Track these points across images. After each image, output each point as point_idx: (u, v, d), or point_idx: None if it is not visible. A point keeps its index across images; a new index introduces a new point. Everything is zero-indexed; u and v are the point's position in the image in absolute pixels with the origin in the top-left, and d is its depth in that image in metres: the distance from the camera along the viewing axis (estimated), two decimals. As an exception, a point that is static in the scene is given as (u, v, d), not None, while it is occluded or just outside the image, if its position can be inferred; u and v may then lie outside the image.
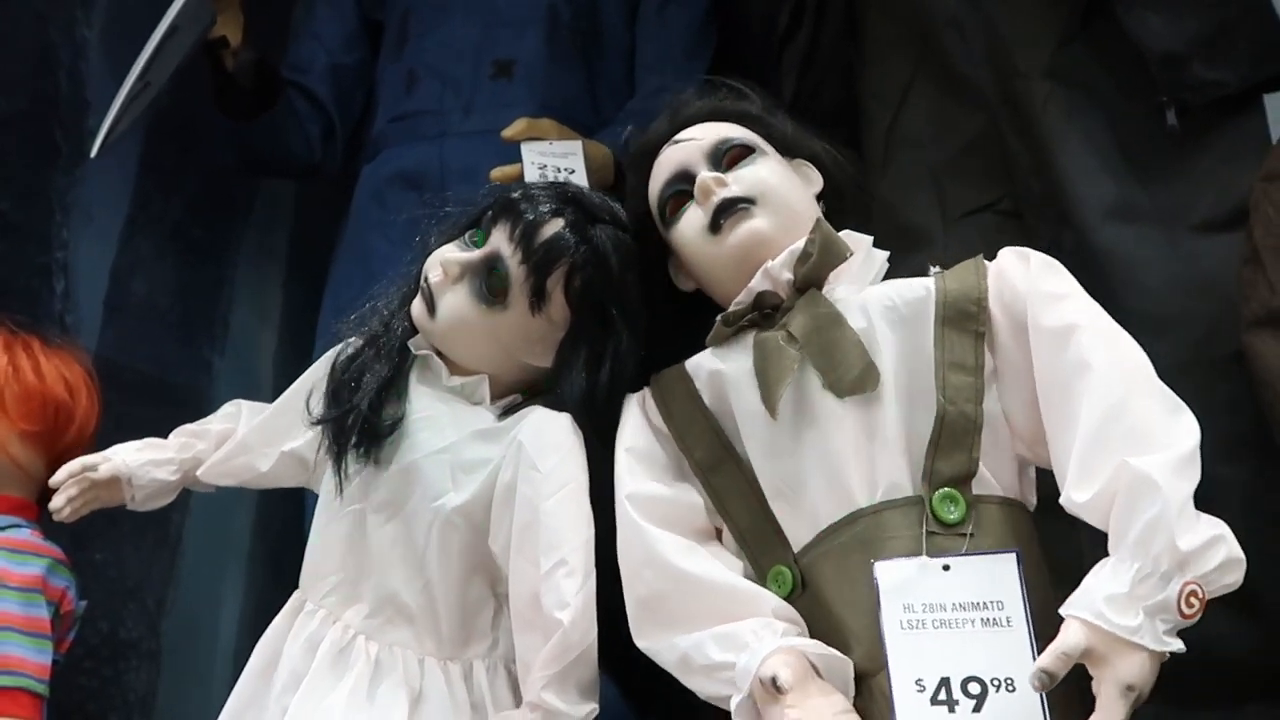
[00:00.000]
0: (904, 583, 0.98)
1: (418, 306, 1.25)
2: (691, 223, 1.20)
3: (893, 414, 1.06)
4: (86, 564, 1.70)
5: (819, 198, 1.26)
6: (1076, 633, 0.90)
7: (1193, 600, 0.91)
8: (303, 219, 2.35)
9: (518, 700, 1.19)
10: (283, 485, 1.41)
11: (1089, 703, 0.92)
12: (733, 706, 1.00)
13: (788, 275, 1.14)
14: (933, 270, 1.14)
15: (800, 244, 1.14)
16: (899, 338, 1.09)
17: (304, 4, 2.31)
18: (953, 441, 1.03)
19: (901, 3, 1.66)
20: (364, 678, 1.17)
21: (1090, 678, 0.91)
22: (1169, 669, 0.93)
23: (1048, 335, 1.04)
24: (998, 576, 0.96)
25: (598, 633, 1.11)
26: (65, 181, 1.91)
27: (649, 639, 1.07)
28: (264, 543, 2.14)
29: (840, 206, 1.28)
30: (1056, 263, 1.10)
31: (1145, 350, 1.25)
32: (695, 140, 1.23)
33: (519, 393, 1.26)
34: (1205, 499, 1.32)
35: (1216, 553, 0.92)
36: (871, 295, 1.13)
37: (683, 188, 1.22)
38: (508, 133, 1.78)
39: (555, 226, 1.22)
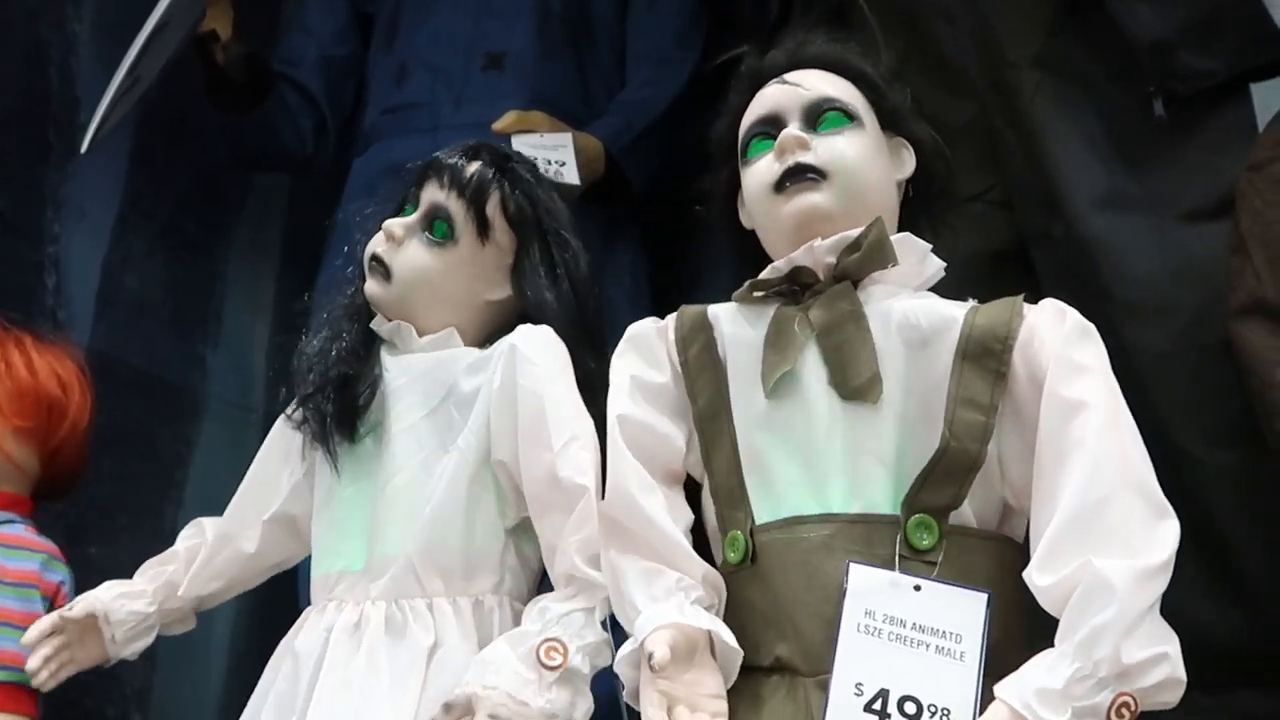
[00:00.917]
0: (873, 590, 0.98)
1: (371, 284, 1.30)
2: (761, 171, 1.17)
3: (889, 431, 1.05)
4: (82, 558, 1.70)
5: (909, 182, 1.22)
6: (1002, 717, 0.90)
7: (1124, 711, 0.91)
8: (295, 212, 2.35)
9: None
10: (273, 564, 1.40)
11: None
12: (623, 650, 1.04)
13: (830, 259, 1.12)
14: (970, 302, 1.12)
15: (854, 233, 1.12)
16: (911, 358, 1.07)
17: (294, -3, 2.31)
18: (947, 475, 1.03)
19: (891, -8, 1.66)
20: (378, 642, 1.17)
21: None
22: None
23: (1059, 403, 1.01)
24: (965, 611, 0.97)
25: None
26: (57, 177, 1.91)
27: (604, 548, 1.11)
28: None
29: (927, 195, 1.24)
30: (1092, 329, 1.07)
31: (1134, 338, 1.26)
32: (799, 88, 1.18)
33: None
34: (1193, 486, 1.34)
35: (1159, 670, 0.92)
36: (899, 307, 1.10)
37: (768, 131, 1.18)
38: (498, 125, 1.78)
39: (475, 166, 1.32)
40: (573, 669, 1.06)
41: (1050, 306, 1.09)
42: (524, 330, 1.25)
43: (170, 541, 2.02)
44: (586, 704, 1.07)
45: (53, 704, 1.49)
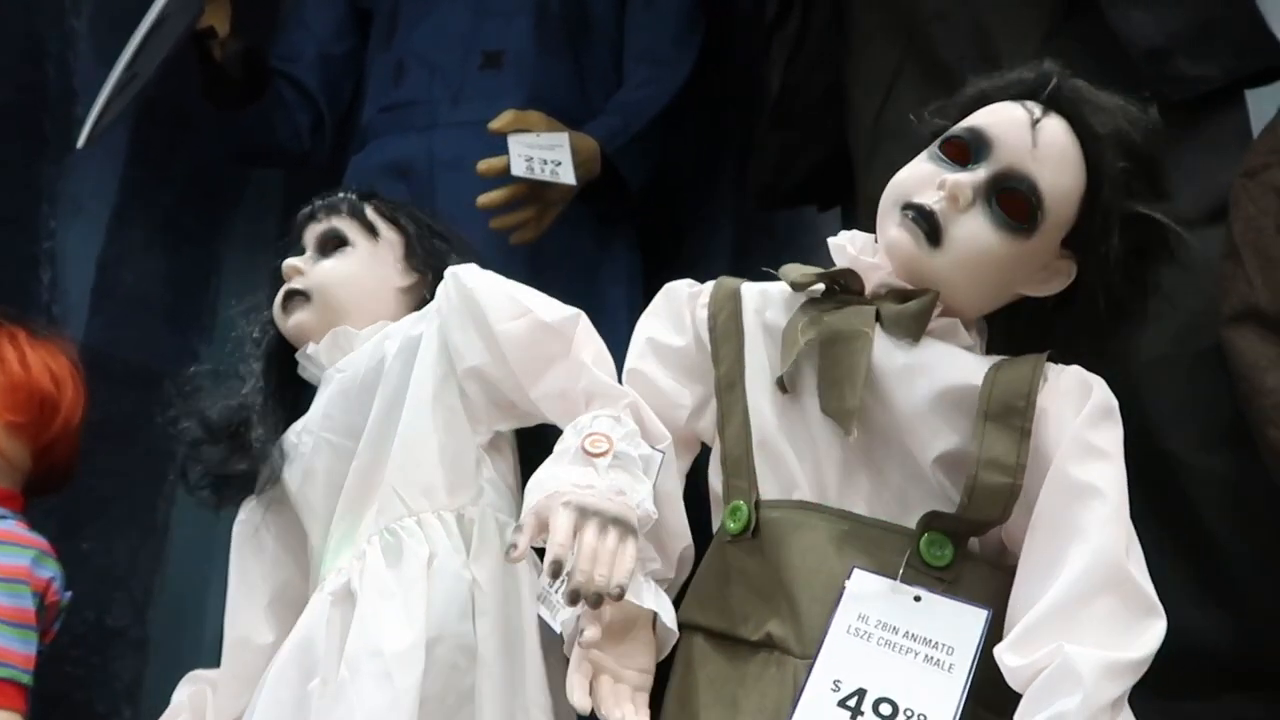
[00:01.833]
0: (871, 596, 0.98)
1: (295, 316, 1.39)
2: (919, 174, 1.08)
3: (884, 456, 1.04)
4: (74, 553, 1.71)
5: (1063, 297, 1.11)
6: None
7: None
8: (292, 208, 2.34)
9: (505, 544, 1.19)
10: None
11: None
12: (567, 615, 1.05)
13: (882, 288, 1.07)
14: (992, 358, 1.07)
15: (927, 302, 1.04)
16: (949, 418, 1.03)
17: (292, -7, 2.31)
18: (965, 524, 1.01)
19: (888, -6, 1.66)
20: (381, 573, 1.18)
21: None
22: (1148, 659, 0.94)
23: (1067, 483, 0.98)
24: (962, 626, 0.96)
25: None
26: (53, 171, 1.91)
27: None
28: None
29: (1075, 319, 1.11)
30: (1114, 408, 1.03)
31: (1128, 343, 1.25)
32: (1034, 146, 1.04)
33: None
34: (1182, 491, 1.34)
35: None
36: (940, 360, 1.04)
37: (968, 144, 1.06)
38: (495, 125, 1.78)
39: (339, 197, 1.48)
40: (621, 453, 1.06)
41: (1074, 377, 1.04)
42: (449, 272, 1.32)
43: (162, 537, 2.03)
44: (646, 486, 1.06)
45: (41, 698, 1.49)
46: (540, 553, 1.02)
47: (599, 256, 1.98)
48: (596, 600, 0.96)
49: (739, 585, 1.05)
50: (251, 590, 1.37)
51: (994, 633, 0.96)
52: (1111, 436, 1.01)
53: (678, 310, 1.18)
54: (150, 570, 1.98)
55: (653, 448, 1.09)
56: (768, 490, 1.07)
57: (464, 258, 1.41)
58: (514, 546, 1.01)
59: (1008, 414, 1.00)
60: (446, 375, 1.26)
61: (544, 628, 1.16)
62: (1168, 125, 1.42)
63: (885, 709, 0.93)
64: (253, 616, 1.35)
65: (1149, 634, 0.93)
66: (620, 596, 0.97)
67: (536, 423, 1.27)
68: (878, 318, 1.05)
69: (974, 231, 1.05)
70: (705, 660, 1.04)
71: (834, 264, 1.12)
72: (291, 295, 1.40)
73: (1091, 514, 0.96)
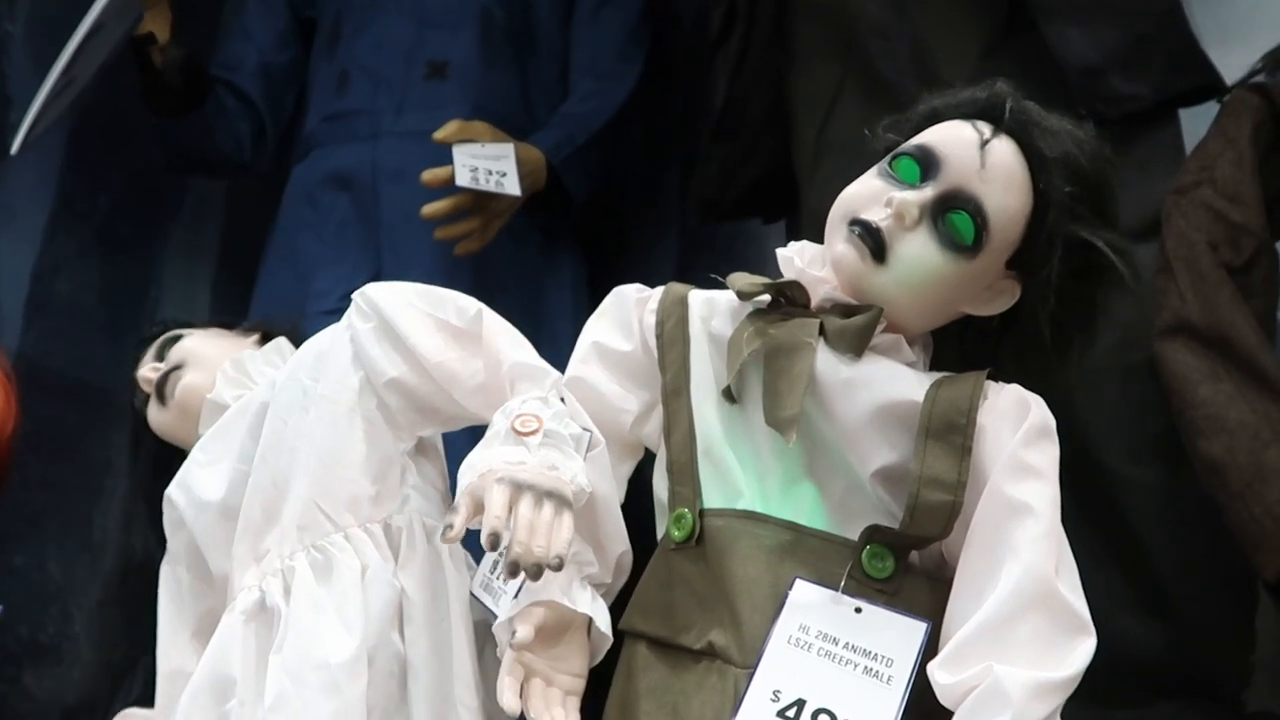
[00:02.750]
0: (812, 606, 0.98)
1: (170, 394, 1.40)
2: (867, 190, 1.07)
3: (827, 464, 1.04)
4: (7, 567, 1.68)
5: (1008, 316, 1.11)
6: None
7: None
8: (233, 217, 2.33)
9: (434, 549, 1.20)
10: None
11: None
12: (502, 616, 1.05)
13: (826, 303, 1.08)
14: (933, 375, 1.06)
15: (870, 319, 1.04)
16: (889, 433, 1.03)
17: (234, 1, 2.29)
18: (906, 541, 1.01)
19: (828, 10, 1.68)
20: (312, 588, 1.17)
21: None
22: (1081, 667, 0.95)
23: (1001, 501, 0.98)
24: (901, 638, 0.96)
25: None
26: (-15, 178, 1.88)
27: None
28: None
29: (1019, 342, 1.11)
30: (1052, 428, 1.03)
31: (1057, 357, 1.27)
32: (981, 167, 1.04)
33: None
34: (1116, 501, 1.37)
35: None
36: (882, 375, 1.04)
37: (919, 162, 1.06)
38: (440, 135, 1.78)
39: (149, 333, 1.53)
40: (551, 431, 1.06)
41: (1013, 396, 1.05)
42: (357, 292, 1.30)
43: (99, 552, 1.99)
44: (578, 462, 1.06)
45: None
46: (476, 541, 1.02)
47: (543, 268, 1.98)
48: (536, 571, 0.96)
49: (682, 593, 1.05)
50: (176, 624, 1.35)
51: (933, 645, 0.97)
52: (1047, 456, 1.02)
53: (625, 315, 1.17)
54: (85, 586, 1.94)
55: (582, 428, 1.10)
56: (712, 499, 1.07)
57: (289, 329, 1.49)
58: (449, 527, 1.00)
59: (949, 431, 1.00)
60: (362, 387, 1.24)
61: (475, 631, 1.17)
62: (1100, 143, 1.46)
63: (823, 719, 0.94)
64: (181, 648, 1.34)
65: (1077, 652, 0.94)
66: (560, 566, 0.97)
67: (464, 425, 1.27)
68: (821, 331, 1.06)
69: (919, 250, 1.05)
70: (647, 668, 1.04)
71: (781, 275, 1.12)
72: (164, 379, 1.41)
73: (1024, 532, 0.97)
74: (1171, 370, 1.31)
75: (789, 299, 1.09)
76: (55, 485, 1.89)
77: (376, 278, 1.80)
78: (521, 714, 1.00)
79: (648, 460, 1.19)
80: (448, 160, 1.76)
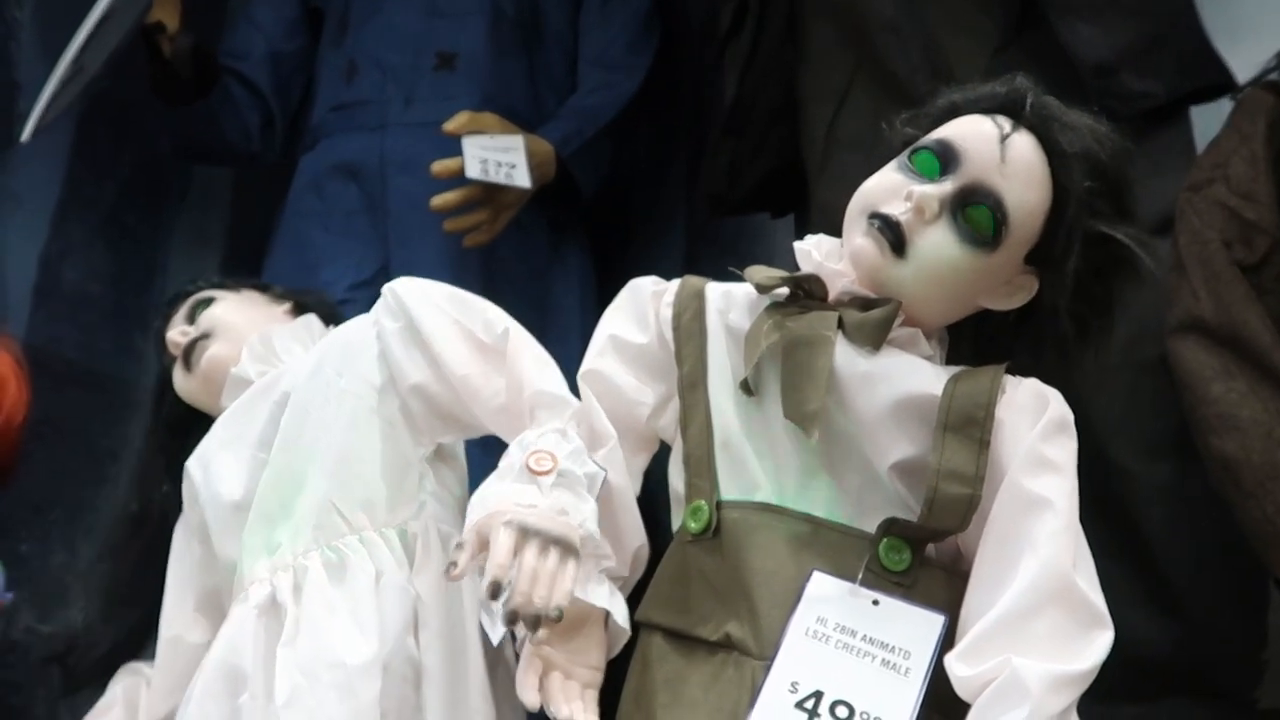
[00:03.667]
0: (830, 598, 0.98)
1: (196, 363, 1.40)
2: (886, 185, 1.08)
3: (845, 459, 1.04)
4: (12, 554, 1.67)
5: (1025, 311, 1.11)
6: None
7: None
8: (239, 205, 2.33)
9: (447, 559, 1.19)
10: None
11: None
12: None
13: (845, 296, 1.07)
14: (950, 369, 1.06)
15: (888, 312, 1.04)
16: (907, 427, 1.03)
17: (242, -11, 2.28)
18: (923, 533, 1.01)
19: (840, 6, 1.68)
20: (324, 588, 1.17)
21: None
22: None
23: (1019, 495, 0.99)
24: (919, 630, 0.97)
25: None
26: (-6, 166, 1.88)
27: None
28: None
29: (1038, 336, 1.11)
30: (1069, 422, 1.03)
31: (1074, 351, 1.27)
32: (1002, 161, 1.05)
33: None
34: (1126, 498, 1.37)
35: None
36: (901, 369, 1.05)
37: (939, 156, 1.06)
38: (449, 126, 1.78)
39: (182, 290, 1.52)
40: (565, 471, 1.05)
41: (1031, 390, 1.05)
42: (386, 286, 1.30)
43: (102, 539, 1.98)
44: (590, 505, 1.05)
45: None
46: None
47: (551, 260, 1.98)
48: (534, 623, 0.96)
49: (698, 585, 1.05)
50: (183, 592, 1.36)
51: (949, 638, 0.97)
52: (1065, 450, 1.02)
53: (641, 307, 1.17)
54: (90, 574, 1.94)
55: (594, 462, 1.09)
56: (729, 491, 1.07)
57: (319, 303, 1.51)
58: (454, 565, 1.00)
59: (967, 425, 1.00)
60: (385, 386, 1.24)
61: (487, 637, 1.16)
62: (1112, 140, 1.46)
63: (842, 711, 0.94)
64: (184, 617, 1.35)
65: (1095, 645, 0.94)
66: (559, 619, 0.97)
67: (482, 435, 1.26)
68: (840, 324, 1.06)
69: (938, 244, 1.05)
70: (663, 660, 1.04)
71: (797, 268, 1.12)
72: (191, 347, 1.41)
73: (1042, 526, 0.97)
74: (1184, 368, 1.31)
75: (807, 292, 1.10)
76: (59, 472, 1.89)
77: (384, 269, 1.82)
78: (540, 710, 1.01)
79: (658, 453, 1.20)
80: (456, 151, 1.76)
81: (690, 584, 1.06)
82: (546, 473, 1.04)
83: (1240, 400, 1.26)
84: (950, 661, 0.95)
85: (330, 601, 1.15)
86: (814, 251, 1.12)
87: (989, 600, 0.96)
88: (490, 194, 1.79)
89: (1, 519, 1.71)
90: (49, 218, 1.96)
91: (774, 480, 1.06)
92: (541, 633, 0.99)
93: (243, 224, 2.29)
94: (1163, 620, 1.35)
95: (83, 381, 1.94)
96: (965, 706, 0.94)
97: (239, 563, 1.25)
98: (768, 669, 0.96)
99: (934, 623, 0.97)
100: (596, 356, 1.16)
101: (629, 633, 1.06)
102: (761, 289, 1.10)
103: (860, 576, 1.00)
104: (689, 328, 1.13)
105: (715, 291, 1.15)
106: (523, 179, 1.76)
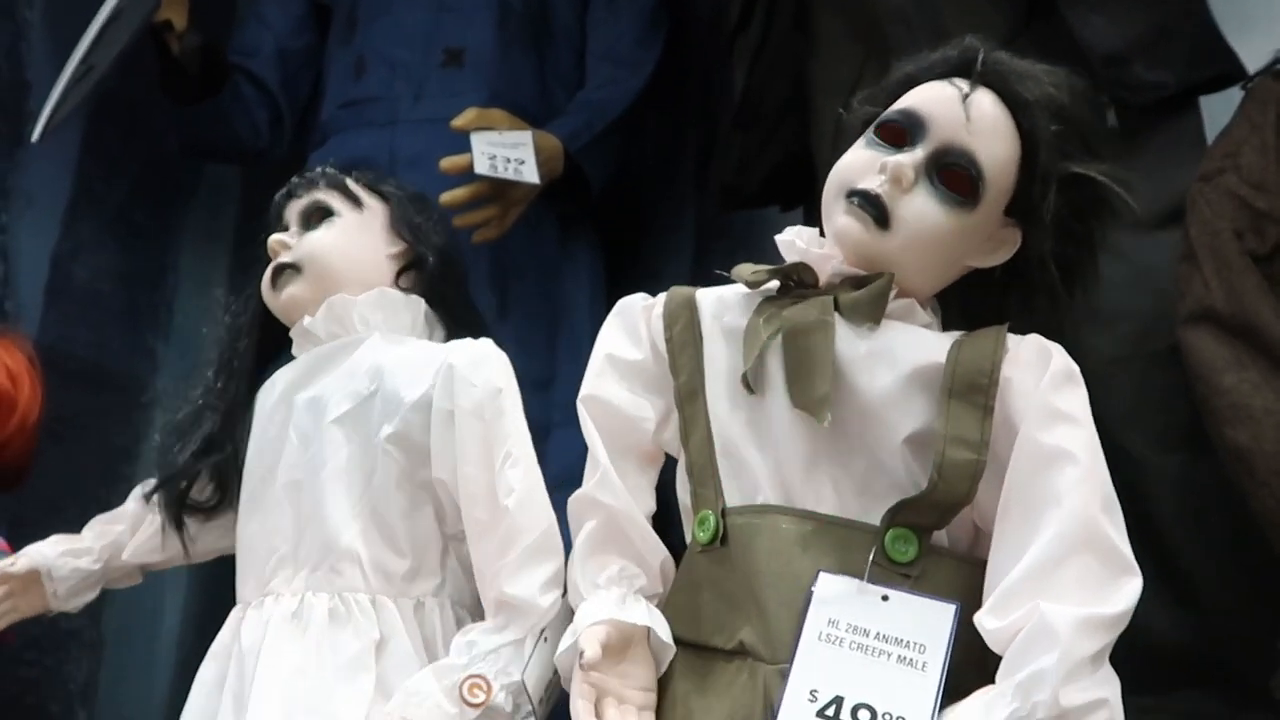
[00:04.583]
0: (838, 598, 0.98)
1: (286, 290, 1.35)
2: (855, 164, 1.09)
3: (852, 445, 1.04)
4: (26, 553, 1.68)
5: (1012, 266, 1.12)
6: None
7: None
8: (247, 203, 2.33)
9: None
10: (212, 550, 1.42)
11: None
12: (563, 644, 1.06)
13: (836, 278, 1.08)
14: (954, 335, 1.07)
15: (882, 285, 1.05)
16: (880, 382, 1.04)
17: (250, -13, 2.29)
18: (933, 508, 1.01)
19: (850, -3, 1.68)
20: (322, 632, 1.17)
21: None
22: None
23: (1036, 449, 0.98)
24: (931, 622, 0.96)
25: None
26: (5, 165, 1.88)
27: (573, 529, 1.13)
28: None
29: (1028, 286, 1.12)
30: (1076, 372, 1.03)
31: (1086, 343, 1.27)
32: (967, 120, 1.06)
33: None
34: (1138, 488, 1.36)
35: (1097, 716, 0.91)
36: (903, 342, 1.05)
37: (904, 126, 1.08)
38: (458, 122, 1.78)
39: (316, 170, 1.46)
40: (495, 707, 1.09)
41: (1034, 346, 1.05)
42: (459, 348, 1.27)
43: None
44: None
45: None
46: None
47: (560, 256, 1.98)
48: None
49: (710, 595, 1.05)
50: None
51: (962, 628, 0.97)
52: (1076, 399, 1.02)
53: (633, 323, 1.18)
54: (104, 570, 1.94)
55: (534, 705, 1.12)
56: (732, 497, 1.07)
57: (442, 231, 1.46)
58: None
59: (971, 391, 1.01)
60: (423, 463, 1.24)
61: None
62: (1124, 130, 1.46)
63: (864, 715, 0.93)
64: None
65: (1124, 590, 0.94)
66: None
67: None
68: (836, 307, 1.06)
69: (920, 210, 1.06)
70: (684, 674, 1.04)
71: (785, 261, 1.12)
72: (281, 269, 1.36)
73: (1063, 477, 0.97)
74: (1196, 358, 1.30)
75: (798, 281, 1.10)
76: (73, 471, 1.90)
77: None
78: None
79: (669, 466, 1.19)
80: (465, 147, 1.76)
81: (702, 595, 1.06)
82: (476, 705, 1.08)
83: (1253, 390, 1.25)
84: (980, 618, 0.95)
85: (321, 650, 1.16)
86: (797, 240, 1.12)
87: (1015, 555, 0.95)
88: (499, 190, 1.79)
89: (16, 518, 1.71)
90: (60, 216, 1.96)
91: (775, 479, 1.05)
92: (593, 652, 0.99)
93: (252, 221, 2.29)
94: (1176, 611, 1.35)
95: (95, 380, 1.95)
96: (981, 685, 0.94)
97: (265, 562, 1.26)
98: (785, 677, 0.96)
99: (946, 613, 0.96)
100: (595, 378, 1.16)
101: (674, 647, 1.05)
102: (752, 285, 1.11)
103: (867, 572, 0.99)
104: (681, 338, 1.13)
105: (707, 298, 1.15)
106: (531, 175, 1.76)
